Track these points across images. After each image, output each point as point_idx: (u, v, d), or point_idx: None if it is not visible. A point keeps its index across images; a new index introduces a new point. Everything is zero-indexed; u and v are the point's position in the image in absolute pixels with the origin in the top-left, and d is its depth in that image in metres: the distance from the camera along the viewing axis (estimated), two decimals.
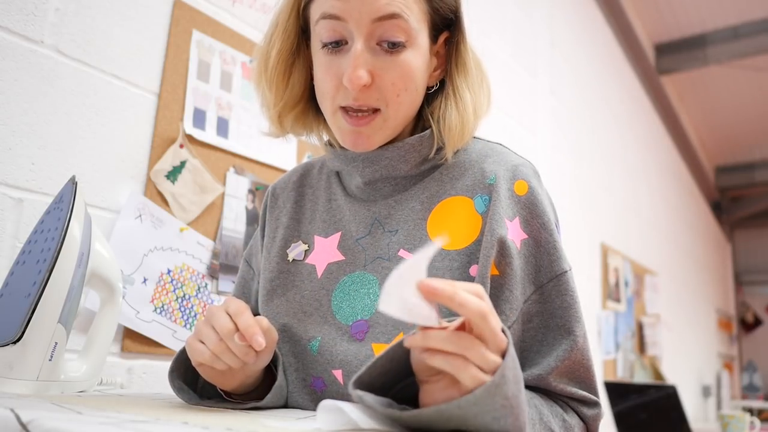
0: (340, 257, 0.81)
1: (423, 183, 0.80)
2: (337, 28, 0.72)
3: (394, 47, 0.72)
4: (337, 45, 0.73)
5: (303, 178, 0.92)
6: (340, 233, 0.82)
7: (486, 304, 0.50)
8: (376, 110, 0.74)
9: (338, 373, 0.75)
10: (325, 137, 0.87)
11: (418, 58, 0.74)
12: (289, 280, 0.83)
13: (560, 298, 0.73)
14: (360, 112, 0.74)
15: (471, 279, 0.72)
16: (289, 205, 0.90)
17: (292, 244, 0.85)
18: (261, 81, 0.82)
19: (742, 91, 5.83)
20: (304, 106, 0.84)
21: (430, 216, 0.77)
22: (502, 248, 0.72)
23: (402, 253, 0.77)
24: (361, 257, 0.79)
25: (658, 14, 4.82)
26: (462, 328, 0.50)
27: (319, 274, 0.81)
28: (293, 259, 0.84)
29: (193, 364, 0.68)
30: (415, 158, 0.79)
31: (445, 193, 0.78)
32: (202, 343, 0.66)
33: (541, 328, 0.73)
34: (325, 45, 0.74)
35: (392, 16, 0.70)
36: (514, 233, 0.73)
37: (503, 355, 0.51)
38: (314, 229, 0.85)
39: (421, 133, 0.79)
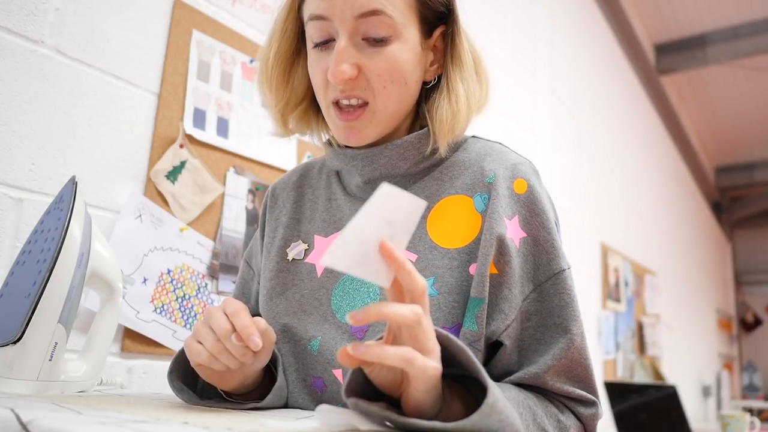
0: None
1: (423, 182, 0.80)
2: (324, 28, 0.74)
3: (379, 42, 0.73)
4: (326, 43, 0.75)
5: (303, 178, 0.92)
6: (339, 233, 0.82)
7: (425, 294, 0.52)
8: (364, 104, 0.75)
9: (338, 373, 0.75)
10: (325, 137, 0.87)
11: (405, 52, 0.75)
12: (289, 279, 0.83)
13: (558, 296, 0.73)
14: (350, 107, 0.75)
15: (470, 278, 0.72)
16: (288, 205, 0.90)
17: (292, 244, 0.86)
18: (262, 82, 0.83)
19: (742, 91, 5.83)
20: (306, 105, 0.85)
21: (430, 214, 0.77)
22: (501, 247, 0.72)
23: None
24: None
25: (658, 14, 4.82)
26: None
27: (319, 274, 0.81)
28: (293, 259, 0.84)
29: (192, 364, 0.68)
30: (414, 156, 0.79)
31: (444, 192, 0.78)
32: (200, 343, 0.66)
33: (539, 326, 0.73)
34: (315, 44, 0.76)
35: (374, 12, 0.72)
36: (513, 232, 0.74)
37: (468, 362, 0.53)
38: (314, 229, 0.85)
39: (420, 131, 0.79)
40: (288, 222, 0.88)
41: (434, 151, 0.79)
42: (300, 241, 0.85)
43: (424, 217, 0.78)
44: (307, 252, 0.84)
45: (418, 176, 0.81)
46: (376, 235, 0.47)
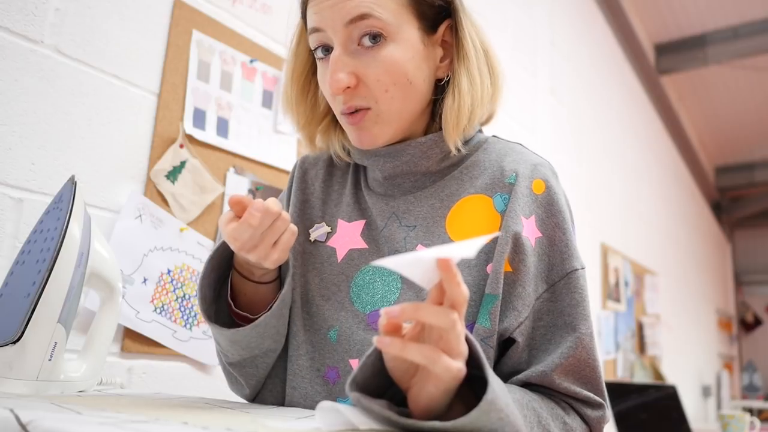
0: (363, 245, 0.81)
1: (443, 181, 0.80)
2: (321, 39, 0.75)
3: (372, 45, 0.73)
4: (327, 52, 0.76)
5: (333, 159, 0.92)
6: (364, 222, 0.83)
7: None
8: (367, 109, 0.75)
9: (354, 363, 0.75)
10: (347, 147, 0.88)
11: (403, 51, 0.74)
12: (309, 260, 0.83)
13: (569, 295, 0.73)
14: (355, 113, 0.76)
15: (487, 276, 0.72)
16: (317, 183, 0.90)
17: (316, 224, 0.86)
18: (285, 106, 0.85)
19: (742, 91, 5.83)
20: (328, 121, 0.87)
21: (450, 213, 0.78)
22: (517, 245, 0.72)
23: (420, 248, 0.77)
24: (383, 249, 0.80)
25: (658, 14, 4.82)
26: (416, 339, 0.53)
27: (339, 259, 0.81)
28: (315, 240, 0.85)
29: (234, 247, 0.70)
30: (437, 155, 0.80)
31: (464, 192, 0.79)
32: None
33: (550, 326, 0.73)
34: (318, 57, 0.77)
35: (362, 17, 0.72)
36: (529, 231, 0.74)
37: (477, 360, 0.53)
38: (339, 213, 0.85)
39: (441, 131, 0.79)
40: (314, 201, 0.88)
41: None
42: (324, 223, 0.85)
43: (443, 216, 0.78)
44: (329, 235, 0.84)
45: (439, 175, 0.81)
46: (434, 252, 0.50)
